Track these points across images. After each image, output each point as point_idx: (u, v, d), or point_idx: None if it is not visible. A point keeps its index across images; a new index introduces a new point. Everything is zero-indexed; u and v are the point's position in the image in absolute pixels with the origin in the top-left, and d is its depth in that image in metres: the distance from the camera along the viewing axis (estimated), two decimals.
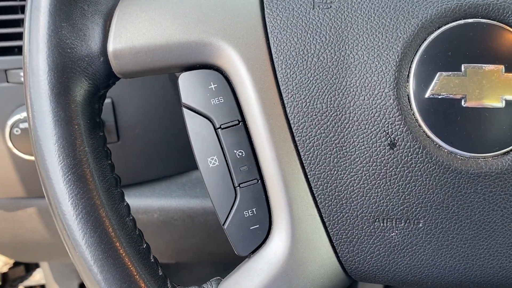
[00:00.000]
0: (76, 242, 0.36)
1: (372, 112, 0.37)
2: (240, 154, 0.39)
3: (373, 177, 0.38)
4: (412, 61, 0.37)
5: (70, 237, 0.36)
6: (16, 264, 1.36)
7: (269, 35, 0.38)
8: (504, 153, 0.37)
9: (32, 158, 0.67)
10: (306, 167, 0.38)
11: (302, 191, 0.38)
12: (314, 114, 0.38)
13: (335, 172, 0.38)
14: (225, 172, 0.39)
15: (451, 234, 0.38)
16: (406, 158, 0.37)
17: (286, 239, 0.38)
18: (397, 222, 0.38)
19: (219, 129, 0.39)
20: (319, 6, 0.38)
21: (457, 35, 0.37)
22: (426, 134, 0.37)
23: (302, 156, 0.38)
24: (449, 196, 0.37)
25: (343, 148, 0.38)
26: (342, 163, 0.38)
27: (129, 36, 0.38)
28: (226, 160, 0.39)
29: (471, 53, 0.36)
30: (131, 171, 0.74)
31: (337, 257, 0.39)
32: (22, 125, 0.66)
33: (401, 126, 0.37)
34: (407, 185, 0.37)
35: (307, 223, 0.38)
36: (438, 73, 0.36)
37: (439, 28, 0.37)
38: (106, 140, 0.40)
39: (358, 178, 0.38)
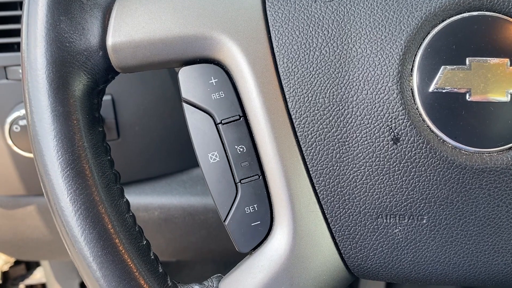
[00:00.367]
0: (75, 239, 0.36)
1: (375, 107, 0.37)
2: (241, 149, 0.38)
3: (376, 172, 0.37)
4: (415, 55, 0.36)
5: (69, 234, 0.36)
6: (17, 262, 1.36)
7: (271, 29, 0.38)
8: (509, 148, 0.36)
9: (32, 155, 0.67)
10: (308, 163, 0.38)
11: (304, 187, 0.38)
12: (316, 108, 0.37)
13: (338, 167, 0.37)
14: (226, 168, 0.38)
15: (455, 230, 0.37)
16: (410, 153, 0.36)
17: (287, 236, 0.38)
18: (401, 218, 0.37)
19: (219, 124, 0.38)
20: None
21: (461, 28, 0.36)
22: (430, 128, 0.36)
23: (304, 152, 0.38)
24: (454, 191, 0.37)
25: (346, 143, 0.37)
26: (344, 158, 0.37)
27: (128, 30, 0.38)
28: (227, 156, 0.38)
29: (476, 46, 0.36)
30: (131, 168, 0.74)
31: (340, 254, 0.39)
32: (21, 122, 0.66)
33: (405, 120, 0.36)
34: (411, 181, 0.37)
35: (309, 220, 0.38)
36: (442, 67, 0.36)
37: (443, 21, 0.36)
38: (105, 136, 0.39)
39: (361, 174, 0.37)
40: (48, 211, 0.79)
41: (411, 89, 0.36)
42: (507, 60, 0.36)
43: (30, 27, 0.36)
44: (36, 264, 1.36)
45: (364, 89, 0.37)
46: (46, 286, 1.20)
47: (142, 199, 0.76)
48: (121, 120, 0.70)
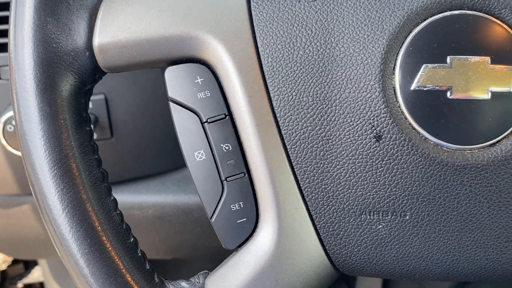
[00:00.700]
0: (62, 236, 0.36)
1: (358, 105, 0.37)
2: (227, 148, 0.39)
3: (359, 169, 0.38)
4: (398, 53, 0.37)
5: (57, 231, 0.36)
6: (15, 261, 1.36)
7: (255, 28, 0.38)
8: (490, 145, 0.37)
9: None
10: (292, 161, 0.38)
11: (289, 185, 0.38)
12: (300, 107, 0.38)
13: (322, 165, 0.38)
14: (212, 166, 0.39)
15: (438, 226, 0.38)
16: (392, 150, 0.37)
17: (273, 232, 0.38)
18: (384, 215, 0.38)
19: (205, 123, 0.39)
20: None
21: (443, 27, 0.37)
22: (412, 126, 0.37)
23: (288, 150, 0.38)
24: (435, 188, 0.37)
25: (330, 141, 0.38)
26: (328, 156, 0.38)
27: (115, 31, 0.38)
28: (213, 154, 0.39)
29: (457, 44, 0.36)
30: (125, 167, 0.74)
31: (325, 250, 0.39)
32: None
33: (387, 118, 0.37)
34: (393, 178, 0.37)
35: (294, 216, 0.38)
36: (424, 65, 0.36)
37: (425, 20, 0.37)
38: (93, 135, 0.40)
39: (344, 171, 0.38)
40: None
41: (393, 87, 0.37)
42: (488, 58, 0.36)
43: (17, 28, 0.37)
44: (34, 263, 1.37)
45: (347, 87, 0.37)
46: (44, 285, 1.21)
47: (136, 198, 0.76)
48: (115, 119, 0.70)
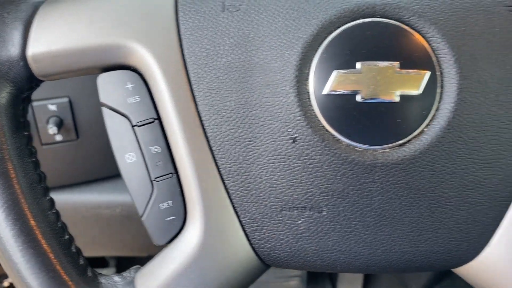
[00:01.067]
0: None
1: (275, 109, 0.39)
2: (156, 150, 0.41)
3: (278, 169, 0.40)
4: (312, 60, 0.39)
5: None
6: None
7: (182, 37, 0.41)
8: (400, 145, 0.39)
9: None
10: (218, 161, 0.41)
11: (215, 184, 0.41)
12: (224, 111, 0.40)
13: (245, 165, 0.40)
14: (142, 167, 0.41)
15: (353, 221, 0.40)
16: (307, 151, 0.39)
17: (199, 229, 0.41)
18: (302, 211, 0.40)
19: (135, 127, 0.41)
20: (228, 9, 0.40)
21: (355, 34, 0.39)
22: (325, 128, 0.39)
23: (214, 151, 0.41)
24: (349, 185, 0.40)
25: (251, 143, 0.40)
26: (250, 156, 0.40)
27: (48, 41, 0.40)
28: (143, 156, 0.41)
29: (368, 51, 0.39)
30: (91, 167, 0.77)
31: (250, 244, 0.42)
32: None
33: (302, 121, 0.39)
34: (309, 176, 0.40)
35: (220, 214, 0.41)
36: (335, 71, 0.39)
37: (338, 28, 0.39)
38: (31, 139, 0.42)
39: (265, 171, 0.40)
40: None
41: (308, 92, 0.39)
42: (396, 63, 0.39)
43: None
44: None
45: (265, 93, 0.40)
46: None
47: (104, 197, 0.79)
48: (80, 121, 0.72)
